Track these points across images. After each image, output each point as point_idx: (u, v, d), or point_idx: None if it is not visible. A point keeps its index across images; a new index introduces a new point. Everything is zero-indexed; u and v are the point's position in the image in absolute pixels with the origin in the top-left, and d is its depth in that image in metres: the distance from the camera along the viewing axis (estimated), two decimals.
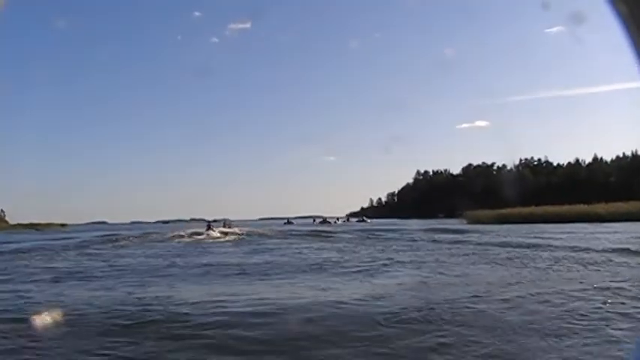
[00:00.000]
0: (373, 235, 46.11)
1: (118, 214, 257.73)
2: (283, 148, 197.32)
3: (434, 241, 38.22)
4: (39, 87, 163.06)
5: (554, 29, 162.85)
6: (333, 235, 48.57)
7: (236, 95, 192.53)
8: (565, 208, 73.14)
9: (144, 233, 53.38)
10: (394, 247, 33.06)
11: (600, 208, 68.45)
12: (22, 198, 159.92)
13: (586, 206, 71.91)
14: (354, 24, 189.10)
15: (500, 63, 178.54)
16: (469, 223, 74.60)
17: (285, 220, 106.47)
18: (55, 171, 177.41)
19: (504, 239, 37.62)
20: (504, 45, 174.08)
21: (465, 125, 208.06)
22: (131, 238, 44.34)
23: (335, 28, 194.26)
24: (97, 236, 50.16)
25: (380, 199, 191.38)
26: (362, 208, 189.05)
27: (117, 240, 42.93)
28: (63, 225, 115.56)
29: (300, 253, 30.29)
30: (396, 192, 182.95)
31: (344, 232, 54.64)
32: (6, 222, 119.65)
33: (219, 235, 48.24)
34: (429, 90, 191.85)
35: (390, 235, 46.13)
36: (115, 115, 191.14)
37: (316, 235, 48.55)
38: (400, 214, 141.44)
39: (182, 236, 46.11)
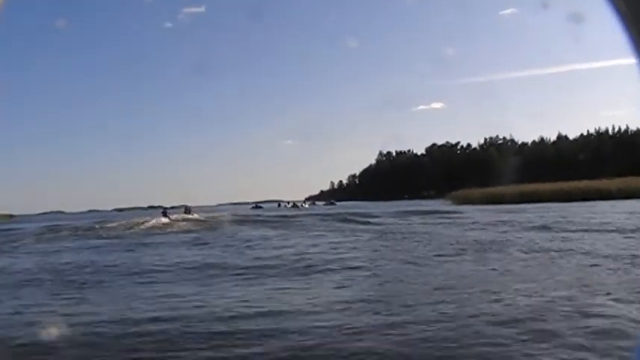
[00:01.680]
0: (363, 221, 36.98)
1: (75, 204, 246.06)
2: (240, 132, 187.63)
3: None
4: None
5: (509, 11, 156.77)
6: (310, 219, 40.10)
7: (193, 80, 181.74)
8: (568, 185, 62.77)
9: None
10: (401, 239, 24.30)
11: (609, 184, 58.28)
12: None
13: (592, 182, 61.84)
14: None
15: (454, 44, 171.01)
16: (455, 203, 65.72)
17: (253, 205, 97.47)
18: (10, 161, 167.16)
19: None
20: (458, 27, 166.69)
21: (421, 107, 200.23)
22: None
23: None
24: (37, 227, 41.98)
25: (341, 181, 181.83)
26: (322, 192, 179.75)
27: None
28: (10, 216, 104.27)
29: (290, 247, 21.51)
30: (358, 174, 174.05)
31: (322, 216, 45.72)
32: None
33: (168, 221, 41.17)
34: (382, 71, 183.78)
35: (379, 220, 37.53)
36: (68, 103, 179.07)
37: (294, 221, 39.71)
38: (363, 197, 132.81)
39: (122, 226, 37.63)
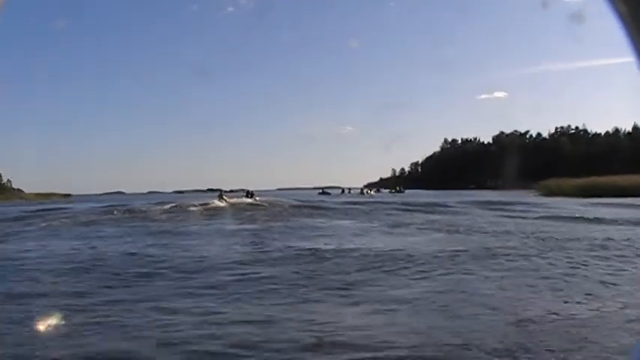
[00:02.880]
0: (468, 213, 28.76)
1: (136, 185, 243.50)
2: (299, 118, 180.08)
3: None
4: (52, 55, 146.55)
5: None
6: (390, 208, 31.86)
7: (254, 66, 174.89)
8: None
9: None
10: None
11: None
12: (47, 169, 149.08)
13: None
14: None
15: (517, 36, 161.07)
16: (545, 195, 56.39)
17: (320, 190, 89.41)
18: (72, 142, 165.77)
19: None
20: (520, 16, 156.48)
21: (484, 96, 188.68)
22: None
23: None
24: (84, 208, 36.82)
25: (403, 169, 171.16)
26: (381, 179, 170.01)
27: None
28: (67, 195, 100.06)
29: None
30: (421, 161, 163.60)
31: (407, 206, 37.45)
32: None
33: (224, 205, 36.72)
34: (446, 61, 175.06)
35: (482, 213, 29.23)
36: (136, 86, 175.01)
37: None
38: (426, 185, 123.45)
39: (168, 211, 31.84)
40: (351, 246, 14.66)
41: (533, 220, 24.39)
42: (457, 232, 19.20)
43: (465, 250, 13.61)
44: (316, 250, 14.02)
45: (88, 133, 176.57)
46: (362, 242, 15.56)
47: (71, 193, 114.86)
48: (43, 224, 22.81)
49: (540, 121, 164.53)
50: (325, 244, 15.37)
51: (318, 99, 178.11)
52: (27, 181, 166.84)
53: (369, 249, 13.91)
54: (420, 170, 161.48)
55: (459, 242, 15.76)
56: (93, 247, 15.35)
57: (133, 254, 13.64)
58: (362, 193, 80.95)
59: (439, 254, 13.01)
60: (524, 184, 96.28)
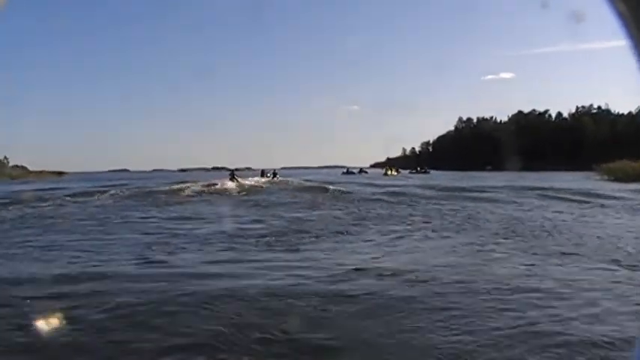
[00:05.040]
0: None
1: (140, 162, 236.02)
2: (305, 97, 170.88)
3: None
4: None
5: None
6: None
7: (260, 45, 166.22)
8: None
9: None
10: None
11: None
12: (44, 147, 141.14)
13: None
14: None
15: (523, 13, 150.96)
16: (615, 180, 44.23)
17: (344, 170, 79.39)
18: (77, 119, 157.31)
19: None
20: None
21: (489, 77, 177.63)
22: None
23: None
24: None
25: (414, 148, 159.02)
26: (388, 159, 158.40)
27: None
28: (60, 173, 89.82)
29: None
30: (432, 141, 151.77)
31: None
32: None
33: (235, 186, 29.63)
34: (452, 40, 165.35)
35: None
36: (142, 64, 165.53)
37: None
38: (438, 166, 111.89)
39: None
40: None
41: None
42: None
43: None
44: None
45: (94, 110, 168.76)
46: None
47: (72, 170, 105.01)
48: None
49: (551, 102, 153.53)
50: None
51: (324, 77, 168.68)
52: (30, 159, 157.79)
53: None
54: (431, 150, 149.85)
55: None
56: None
57: None
58: (385, 174, 69.70)
59: None
60: (556, 166, 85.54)
